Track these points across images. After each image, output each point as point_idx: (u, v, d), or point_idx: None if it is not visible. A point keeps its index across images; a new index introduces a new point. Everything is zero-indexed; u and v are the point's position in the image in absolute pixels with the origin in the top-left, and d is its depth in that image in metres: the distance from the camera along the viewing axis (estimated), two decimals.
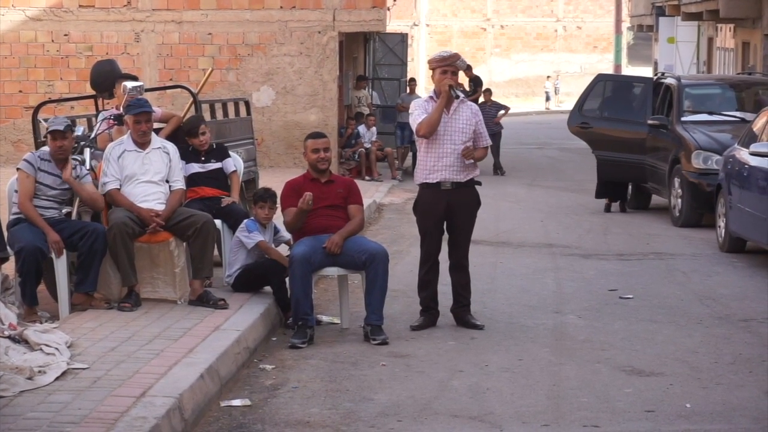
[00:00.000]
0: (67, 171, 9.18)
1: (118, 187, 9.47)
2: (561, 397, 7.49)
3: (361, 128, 22.94)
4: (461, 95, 9.47)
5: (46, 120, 11.26)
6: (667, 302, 10.68)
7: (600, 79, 19.06)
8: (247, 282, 9.78)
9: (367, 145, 22.50)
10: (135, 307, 9.15)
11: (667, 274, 12.27)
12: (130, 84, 10.05)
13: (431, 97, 9.51)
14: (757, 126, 13.65)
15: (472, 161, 9.41)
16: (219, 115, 14.59)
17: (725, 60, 33.38)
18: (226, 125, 12.91)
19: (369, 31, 24.73)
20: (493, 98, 25.62)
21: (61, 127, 9.20)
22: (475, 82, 28.37)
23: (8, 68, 21.88)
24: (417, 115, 9.40)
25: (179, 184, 9.69)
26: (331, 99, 22.15)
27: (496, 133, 24.25)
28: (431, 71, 9.54)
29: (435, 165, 9.42)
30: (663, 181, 16.76)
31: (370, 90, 26.17)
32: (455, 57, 9.48)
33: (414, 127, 9.45)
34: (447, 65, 9.40)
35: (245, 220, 9.94)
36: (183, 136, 10.72)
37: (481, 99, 24.77)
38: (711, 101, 17.63)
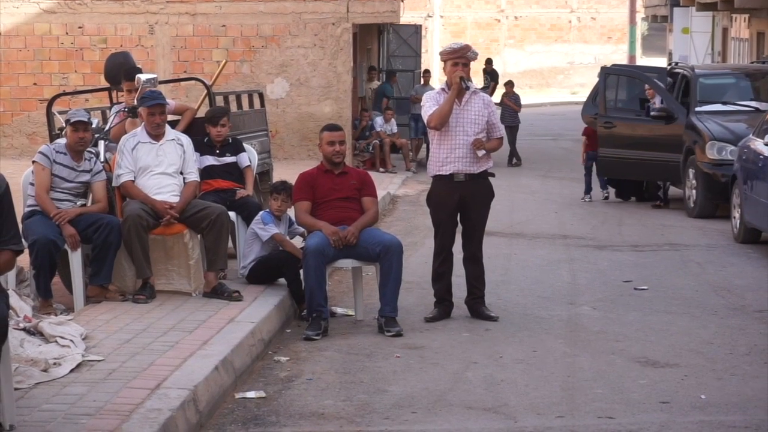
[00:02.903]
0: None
1: (133, 179, 9.49)
2: (575, 389, 7.48)
3: (379, 119, 22.92)
4: (472, 86, 9.46)
5: (60, 112, 11.32)
6: (681, 293, 10.66)
7: (608, 71, 18.80)
8: (262, 274, 9.79)
9: (390, 131, 22.52)
10: (149, 300, 9.16)
11: (681, 265, 12.25)
12: (144, 76, 10.05)
13: (443, 89, 9.50)
14: None
15: (484, 152, 9.40)
16: (233, 107, 14.59)
17: (740, 50, 33.26)
18: (241, 117, 12.89)
19: (383, 23, 24.69)
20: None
21: (85, 118, 9.21)
22: (491, 75, 28.34)
23: (23, 61, 21.91)
24: (428, 107, 9.39)
25: (193, 176, 9.70)
26: (345, 91, 22.13)
27: (514, 126, 24.19)
28: (443, 63, 9.53)
29: (448, 157, 9.40)
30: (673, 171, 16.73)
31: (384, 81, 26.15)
32: (466, 48, 9.46)
33: (426, 119, 9.44)
34: (458, 57, 9.39)
35: (261, 212, 9.94)
36: (201, 124, 10.72)
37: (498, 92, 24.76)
38: (724, 91, 17.55)
